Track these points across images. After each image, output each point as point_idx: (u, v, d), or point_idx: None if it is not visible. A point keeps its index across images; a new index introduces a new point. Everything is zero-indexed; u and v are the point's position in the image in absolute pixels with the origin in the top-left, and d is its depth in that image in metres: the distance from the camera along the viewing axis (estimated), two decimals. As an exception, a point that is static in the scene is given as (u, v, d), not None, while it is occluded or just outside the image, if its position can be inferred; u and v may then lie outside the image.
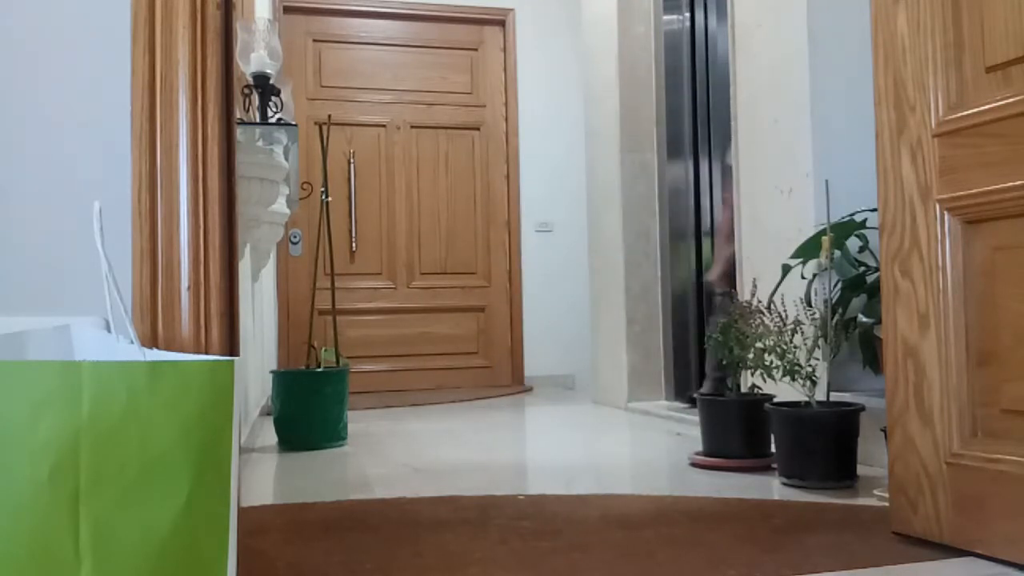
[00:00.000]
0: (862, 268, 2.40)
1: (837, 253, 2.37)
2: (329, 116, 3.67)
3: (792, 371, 2.31)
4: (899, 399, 1.69)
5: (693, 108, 4.05)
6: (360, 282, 5.25)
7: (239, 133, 2.40)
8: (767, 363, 2.36)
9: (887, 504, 1.75)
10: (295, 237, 5.09)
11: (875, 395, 2.34)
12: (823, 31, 2.76)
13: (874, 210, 1.81)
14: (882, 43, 1.72)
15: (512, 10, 5.54)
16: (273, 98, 2.78)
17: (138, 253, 1.27)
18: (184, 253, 1.28)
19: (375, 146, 5.35)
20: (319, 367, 3.25)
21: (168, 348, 1.25)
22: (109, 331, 1.08)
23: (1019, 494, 1.45)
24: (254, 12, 3.47)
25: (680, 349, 4.02)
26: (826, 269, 2.32)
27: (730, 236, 3.43)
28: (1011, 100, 1.47)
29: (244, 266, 2.94)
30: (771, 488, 2.24)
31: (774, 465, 2.40)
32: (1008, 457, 1.47)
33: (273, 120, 2.76)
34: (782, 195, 2.89)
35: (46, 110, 1.31)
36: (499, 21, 5.55)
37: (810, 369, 2.30)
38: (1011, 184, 1.47)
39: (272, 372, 3.28)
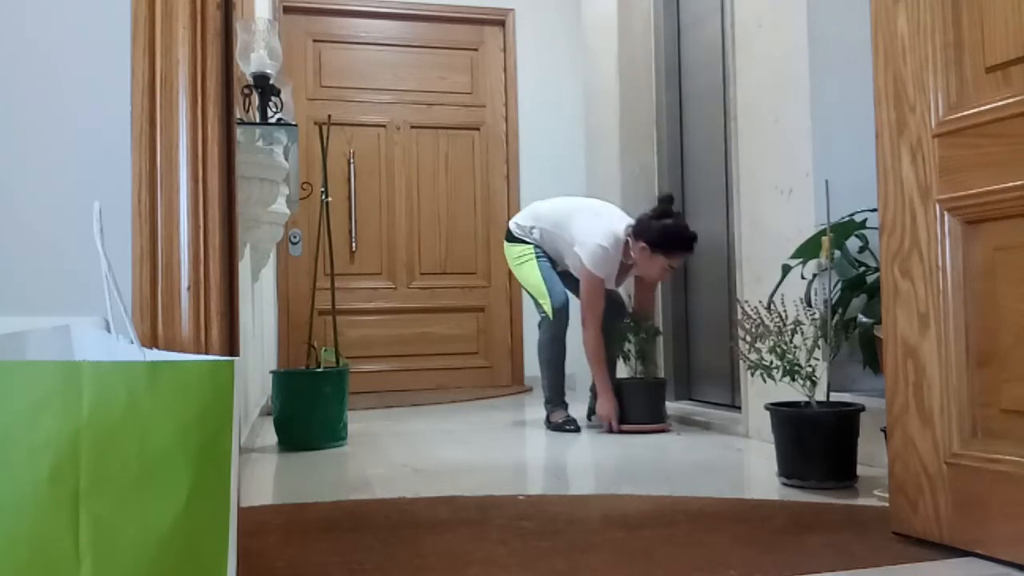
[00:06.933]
0: (862, 268, 2.40)
1: (837, 253, 2.37)
2: (329, 116, 3.67)
3: (792, 371, 2.31)
4: (899, 399, 1.69)
5: (693, 108, 4.05)
6: (360, 282, 5.25)
7: (239, 133, 2.40)
8: (767, 363, 2.36)
9: (887, 504, 1.75)
10: (295, 237, 5.09)
11: (875, 395, 2.34)
12: (823, 31, 2.76)
13: (874, 210, 1.81)
14: (882, 43, 1.72)
15: (512, 10, 5.54)
16: (273, 98, 2.77)
17: (138, 253, 1.27)
18: (184, 253, 1.28)
19: (375, 146, 5.35)
20: (319, 367, 3.25)
21: (168, 348, 1.25)
22: (109, 331, 1.08)
23: (1019, 494, 1.45)
24: (254, 12, 3.47)
25: (679, 349, 4.02)
26: (826, 269, 2.32)
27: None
28: (1011, 100, 1.47)
29: (244, 266, 2.94)
30: (771, 488, 2.25)
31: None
32: (1008, 457, 1.47)
33: (273, 120, 2.76)
34: (782, 195, 2.89)
35: (46, 110, 1.31)
36: (499, 21, 5.55)
37: (810, 369, 2.30)
38: (1011, 184, 1.47)
39: (272, 372, 3.28)
